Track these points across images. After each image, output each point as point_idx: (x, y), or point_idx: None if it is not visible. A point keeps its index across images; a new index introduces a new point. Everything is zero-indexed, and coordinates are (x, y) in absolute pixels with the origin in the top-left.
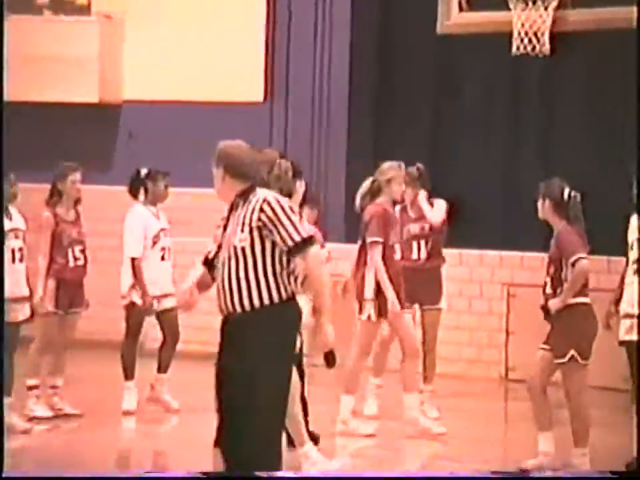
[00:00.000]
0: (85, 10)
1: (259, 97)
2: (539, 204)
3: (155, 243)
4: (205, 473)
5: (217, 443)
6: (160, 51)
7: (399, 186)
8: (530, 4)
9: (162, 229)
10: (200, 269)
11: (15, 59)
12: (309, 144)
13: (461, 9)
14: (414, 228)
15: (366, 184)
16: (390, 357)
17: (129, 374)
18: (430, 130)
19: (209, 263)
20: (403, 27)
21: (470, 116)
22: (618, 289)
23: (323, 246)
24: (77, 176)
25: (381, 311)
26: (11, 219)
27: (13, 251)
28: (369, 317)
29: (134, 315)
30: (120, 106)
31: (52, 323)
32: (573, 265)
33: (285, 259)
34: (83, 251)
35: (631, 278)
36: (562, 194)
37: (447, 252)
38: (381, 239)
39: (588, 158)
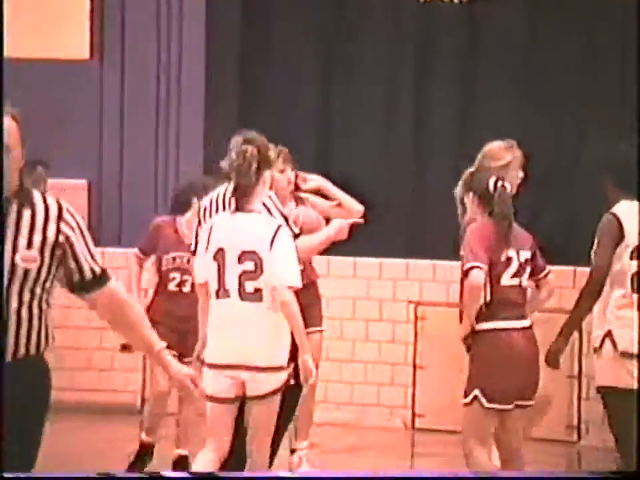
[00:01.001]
0: None
1: (84, 54)
2: (460, 197)
3: None
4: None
5: None
6: None
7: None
8: None
9: None
10: None
11: None
12: (154, 112)
13: None
14: None
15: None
16: None
17: None
18: (314, 102)
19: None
20: None
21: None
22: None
23: None
24: None
25: None
26: None
27: None
28: None
29: None
30: None
31: None
32: (466, 275)
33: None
34: None
35: (618, 300)
36: (487, 184)
37: (336, 260)
38: None
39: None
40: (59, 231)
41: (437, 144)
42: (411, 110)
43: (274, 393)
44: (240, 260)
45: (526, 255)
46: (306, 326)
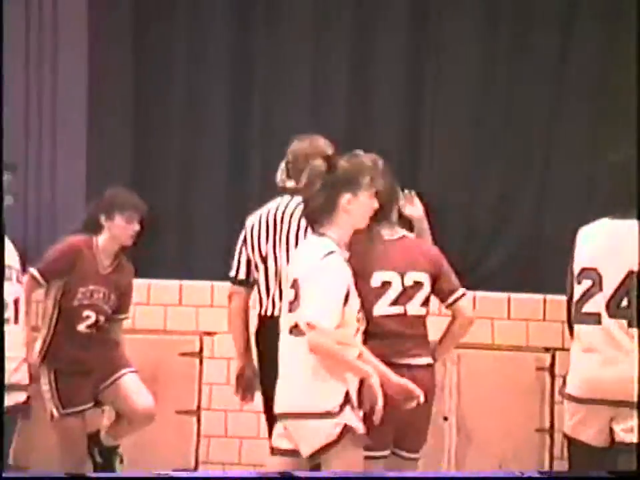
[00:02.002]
0: None
1: None
2: None
3: None
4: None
5: None
6: None
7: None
8: None
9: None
10: None
11: None
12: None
13: None
14: None
15: None
16: None
17: None
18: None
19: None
20: None
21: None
22: None
23: None
24: None
25: None
26: None
27: None
28: None
29: None
30: None
31: None
32: None
33: None
34: None
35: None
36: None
37: None
38: None
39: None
40: None
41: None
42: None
43: (322, 449)
44: (289, 288)
45: (417, 277)
46: None
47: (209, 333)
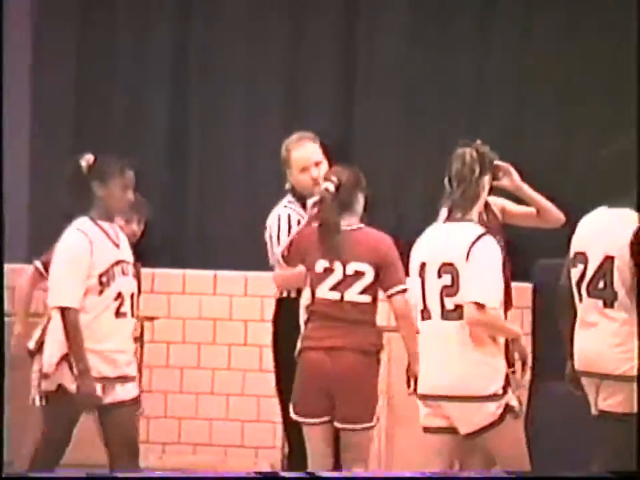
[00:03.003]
0: None
1: None
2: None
3: (103, 285)
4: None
5: None
6: None
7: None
8: None
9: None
10: None
11: None
12: None
13: None
14: None
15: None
16: None
17: None
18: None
19: None
20: None
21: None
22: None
23: None
24: None
25: None
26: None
27: None
28: None
29: (64, 410)
30: None
31: None
32: None
33: None
34: None
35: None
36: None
37: None
38: None
39: None
40: None
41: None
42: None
43: (484, 429)
44: (439, 274)
45: (359, 266)
46: None
47: (149, 318)
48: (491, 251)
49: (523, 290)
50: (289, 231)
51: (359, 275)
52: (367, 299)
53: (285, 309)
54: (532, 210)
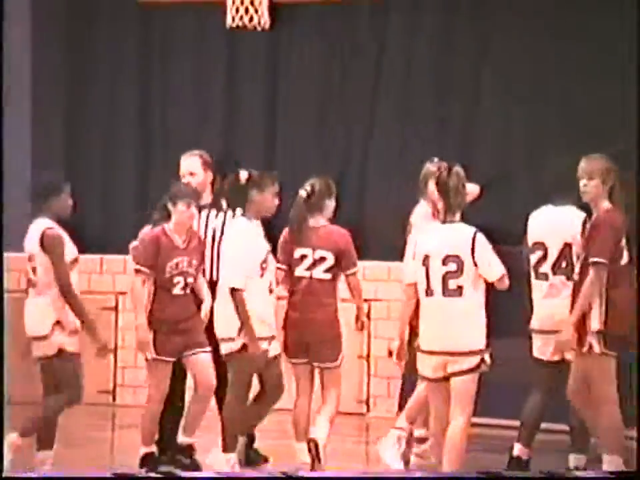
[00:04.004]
0: None
1: None
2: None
3: (263, 270)
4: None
5: None
6: None
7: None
8: None
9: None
10: None
11: None
12: None
13: None
14: None
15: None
16: None
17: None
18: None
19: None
20: None
21: (181, 100)
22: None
23: None
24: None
25: None
26: None
27: None
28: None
29: (246, 365)
30: None
31: None
32: None
33: None
34: None
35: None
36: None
37: None
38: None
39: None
40: None
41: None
42: (220, 126)
43: (464, 372)
44: (444, 263)
45: (323, 253)
46: None
47: (122, 293)
48: (487, 242)
49: None
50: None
51: (323, 259)
52: (328, 276)
53: None
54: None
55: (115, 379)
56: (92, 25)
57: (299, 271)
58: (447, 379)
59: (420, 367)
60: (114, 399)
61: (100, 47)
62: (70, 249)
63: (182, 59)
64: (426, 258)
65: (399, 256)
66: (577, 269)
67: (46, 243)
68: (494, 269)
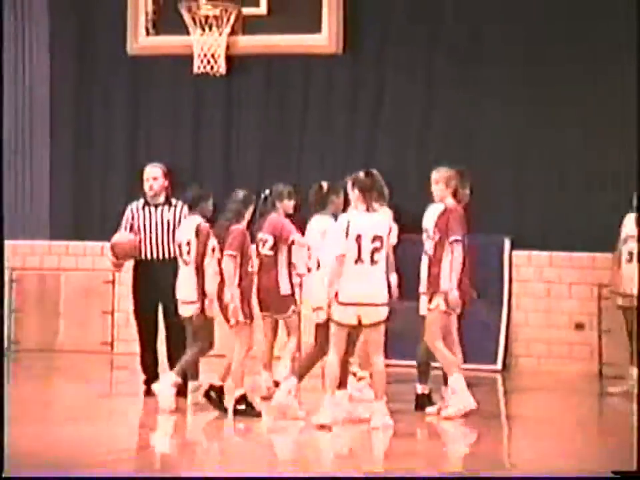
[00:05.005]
0: None
1: None
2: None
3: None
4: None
5: None
6: None
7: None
8: (207, 30)
9: None
10: None
11: None
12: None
13: (147, 33)
14: None
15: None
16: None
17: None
18: (127, 150)
19: None
20: (99, 48)
21: (160, 124)
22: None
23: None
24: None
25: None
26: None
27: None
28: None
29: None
30: None
31: None
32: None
33: None
34: None
35: None
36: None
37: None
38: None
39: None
40: None
41: (207, 170)
42: (189, 145)
43: (379, 323)
44: (373, 241)
45: (266, 236)
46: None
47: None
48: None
49: None
50: (127, 219)
51: (265, 239)
52: (271, 253)
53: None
54: None
55: (113, 334)
56: (95, 69)
57: (264, 250)
58: (356, 327)
59: (337, 315)
60: (112, 348)
61: (101, 85)
62: (212, 241)
63: (161, 95)
64: (358, 237)
65: None
66: (431, 248)
67: (200, 234)
68: (391, 241)
